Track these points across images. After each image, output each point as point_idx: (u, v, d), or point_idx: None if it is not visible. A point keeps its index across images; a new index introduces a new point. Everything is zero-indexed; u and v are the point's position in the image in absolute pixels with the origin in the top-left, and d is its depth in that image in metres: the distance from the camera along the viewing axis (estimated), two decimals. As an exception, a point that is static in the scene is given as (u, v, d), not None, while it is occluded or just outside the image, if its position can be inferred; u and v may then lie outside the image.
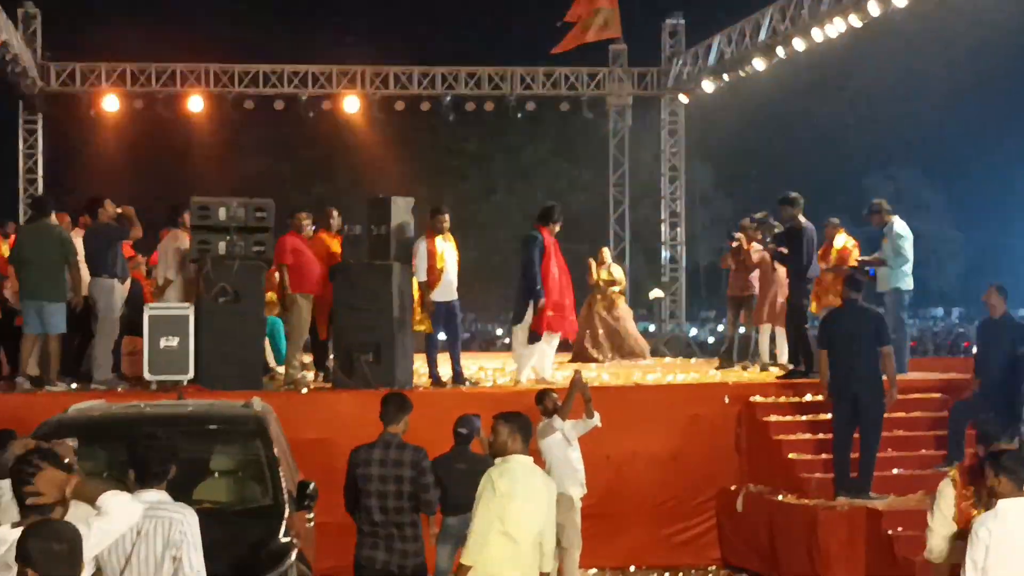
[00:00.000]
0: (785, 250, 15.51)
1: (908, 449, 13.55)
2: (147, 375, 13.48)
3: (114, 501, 5.50)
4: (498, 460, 7.82)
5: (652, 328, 28.50)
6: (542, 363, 15.15)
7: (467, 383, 14.68)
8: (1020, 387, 12.82)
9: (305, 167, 42.21)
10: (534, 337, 14.86)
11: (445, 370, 14.83)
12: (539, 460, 10.79)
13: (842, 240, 16.76)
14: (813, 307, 16.00)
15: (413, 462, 8.80)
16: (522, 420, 7.95)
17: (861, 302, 12.76)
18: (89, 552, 5.36)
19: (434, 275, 14.48)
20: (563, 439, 11.52)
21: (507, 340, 40.67)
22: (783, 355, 16.67)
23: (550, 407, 11.66)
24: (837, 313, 13.16)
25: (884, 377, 12.46)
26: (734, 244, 17.52)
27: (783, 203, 15.39)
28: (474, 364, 17.47)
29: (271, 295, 15.08)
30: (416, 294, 14.53)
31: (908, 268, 15.69)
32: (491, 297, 45.97)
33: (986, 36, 42.57)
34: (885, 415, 12.70)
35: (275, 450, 9.46)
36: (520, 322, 14.88)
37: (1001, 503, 7.03)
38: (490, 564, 7.58)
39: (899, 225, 15.77)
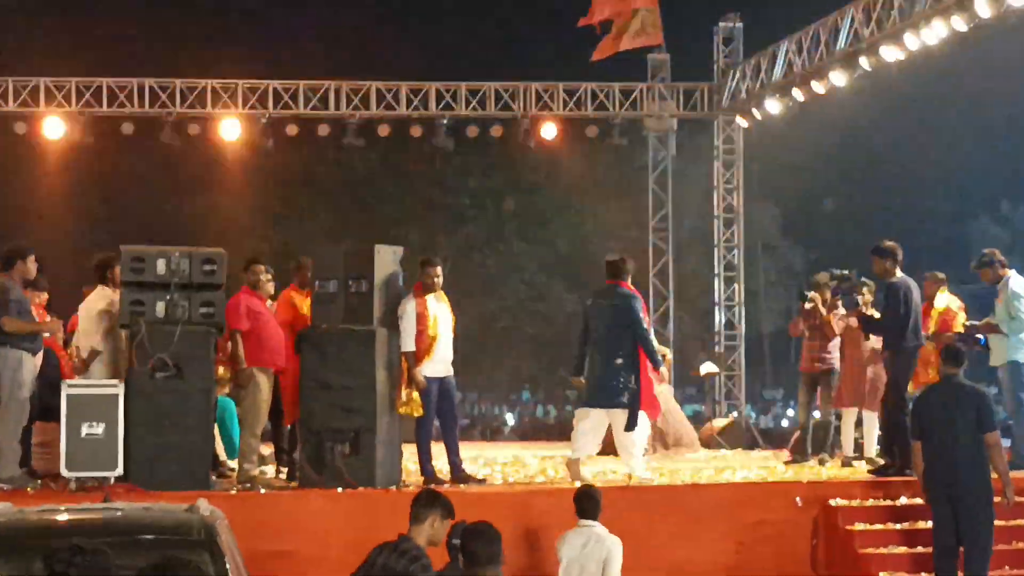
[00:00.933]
0: (876, 314, 15.55)
1: (1033, 566, 13.51)
2: (65, 471, 13.43)
3: None
4: None
5: (703, 411, 28.50)
6: (586, 446, 15.32)
7: (469, 480, 14.69)
8: None
9: (266, 206, 42.37)
10: (634, 420, 15.02)
11: (441, 464, 14.84)
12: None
13: (944, 300, 16.78)
14: (910, 386, 16.01)
15: (402, 571, 8.83)
16: (490, 533, 8.02)
17: (961, 378, 12.76)
18: None
19: (425, 343, 14.48)
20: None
21: (513, 423, 40.62)
22: (871, 446, 16.66)
23: (590, 510, 11.83)
24: (931, 393, 13.17)
25: (994, 474, 12.44)
26: (807, 305, 17.56)
27: (876, 254, 15.42)
28: (478, 456, 17.45)
29: (222, 370, 15.10)
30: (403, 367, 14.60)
31: None
32: (497, 372, 46.02)
33: None
34: (999, 522, 12.67)
35: (227, 566, 9.44)
36: (626, 407, 15.00)
37: None
38: None
39: (1016, 281, 15.81)
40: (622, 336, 15.04)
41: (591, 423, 15.30)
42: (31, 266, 14.15)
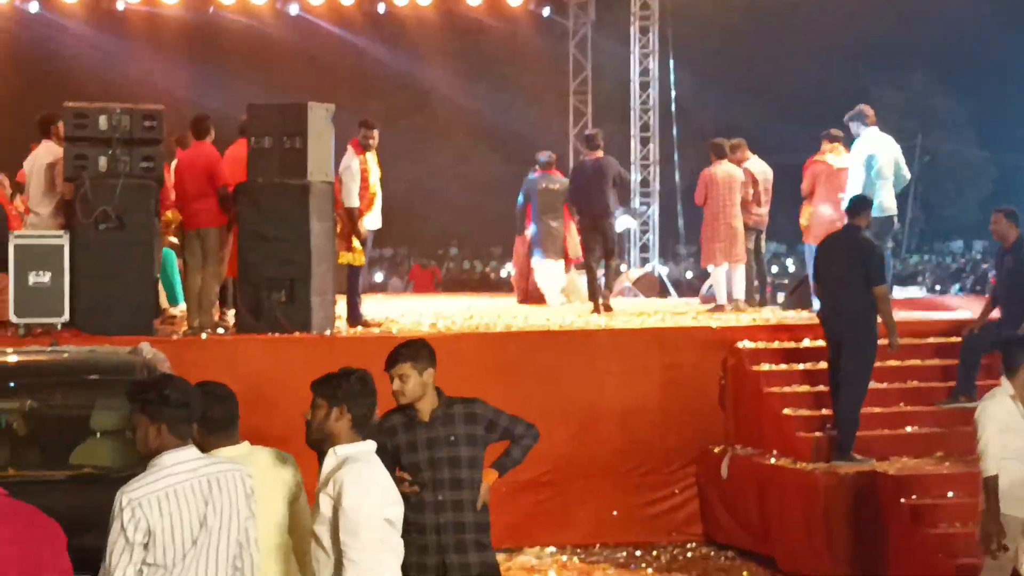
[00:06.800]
0: None
1: (924, 403, 13.62)
2: (13, 317, 13.34)
3: None
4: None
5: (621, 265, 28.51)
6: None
7: (369, 325, 14.97)
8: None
9: (203, 70, 41.84)
10: None
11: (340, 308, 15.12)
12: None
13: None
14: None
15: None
16: (223, 392, 6.79)
17: (861, 231, 12.74)
18: None
19: (366, 199, 14.77)
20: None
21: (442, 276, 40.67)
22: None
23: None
24: (831, 241, 13.18)
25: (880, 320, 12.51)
26: None
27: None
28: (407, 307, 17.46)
29: (170, 214, 14.88)
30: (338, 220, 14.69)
31: (883, 188, 15.42)
32: (426, 230, 45.94)
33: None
34: (893, 362, 12.85)
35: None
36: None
37: None
38: None
39: (867, 136, 15.54)
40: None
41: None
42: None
